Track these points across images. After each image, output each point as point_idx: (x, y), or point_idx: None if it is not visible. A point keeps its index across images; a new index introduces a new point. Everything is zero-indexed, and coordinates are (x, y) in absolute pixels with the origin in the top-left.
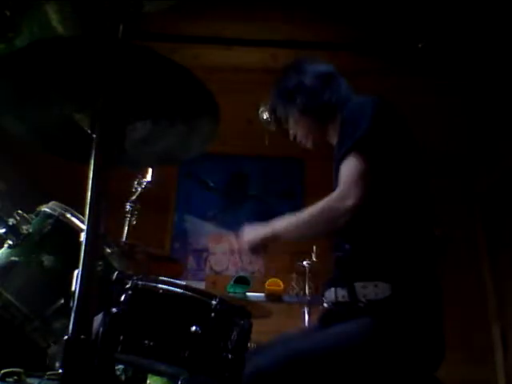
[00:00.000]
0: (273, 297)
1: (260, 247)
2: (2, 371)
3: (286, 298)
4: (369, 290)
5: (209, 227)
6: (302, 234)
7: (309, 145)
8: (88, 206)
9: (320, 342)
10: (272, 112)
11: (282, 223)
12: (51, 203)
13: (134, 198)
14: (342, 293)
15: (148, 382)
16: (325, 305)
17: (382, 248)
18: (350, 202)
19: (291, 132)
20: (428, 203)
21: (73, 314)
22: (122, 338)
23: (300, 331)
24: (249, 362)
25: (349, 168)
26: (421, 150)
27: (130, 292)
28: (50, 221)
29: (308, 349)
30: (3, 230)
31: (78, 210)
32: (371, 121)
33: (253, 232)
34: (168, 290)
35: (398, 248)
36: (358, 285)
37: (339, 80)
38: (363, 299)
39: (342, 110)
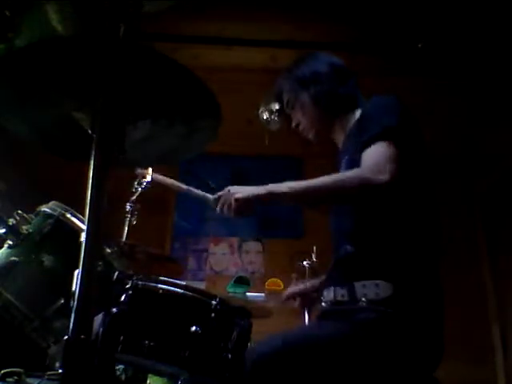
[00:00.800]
0: (273, 297)
1: (251, 206)
2: (2, 371)
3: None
4: (369, 290)
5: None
6: (313, 196)
7: (311, 135)
8: (88, 206)
9: (319, 336)
10: (278, 95)
11: (286, 184)
12: (51, 203)
13: (133, 198)
14: (341, 292)
15: (148, 382)
16: (323, 304)
17: (383, 247)
18: (384, 177)
19: (295, 119)
20: (433, 203)
21: (73, 314)
22: (122, 338)
23: (299, 328)
24: (247, 357)
25: (380, 150)
26: (427, 152)
27: (130, 292)
28: (50, 221)
29: (307, 342)
30: (3, 230)
31: (78, 210)
32: (399, 114)
33: (246, 189)
34: (168, 290)
35: (399, 247)
36: (357, 284)
37: (353, 77)
38: (363, 299)
39: (355, 108)
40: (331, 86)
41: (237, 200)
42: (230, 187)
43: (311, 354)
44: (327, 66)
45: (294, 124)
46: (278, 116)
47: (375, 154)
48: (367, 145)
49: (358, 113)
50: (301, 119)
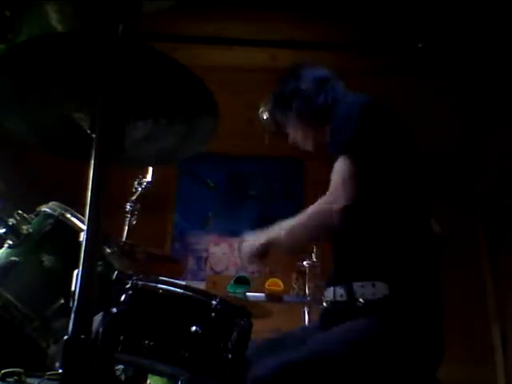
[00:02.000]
0: (273, 297)
1: (259, 256)
2: (2, 371)
3: (286, 297)
4: (366, 290)
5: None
6: (299, 239)
7: (309, 148)
8: (88, 206)
9: (320, 345)
10: (272, 117)
11: (279, 230)
12: (51, 203)
13: (134, 198)
14: (340, 292)
15: (148, 382)
16: (324, 304)
17: (379, 248)
18: (338, 204)
19: (291, 137)
20: (425, 203)
21: (73, 314)
22: (122, 338)
23: (299, 330)
24: (248, 372)
25: (337, 170)
26: (419, 150)
27: (130, 292)
28: (50, 221)
29: (306, 354)
30: (3, 230)
31: (78, 210)
32: (358, 122)
33: (250, 243)
34: (168, 290)
35: (395, 248)
36: (356, 284)
37: (335, 83)
38: (361, 299)
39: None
40: (310, 98)
41: (247, 257)
42: (239, 247)
43: (311, 375)
44: (305, 79)
45: (290, 141)
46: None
47: (333, 178)
48: (334, 160)
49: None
50: (295, 136)
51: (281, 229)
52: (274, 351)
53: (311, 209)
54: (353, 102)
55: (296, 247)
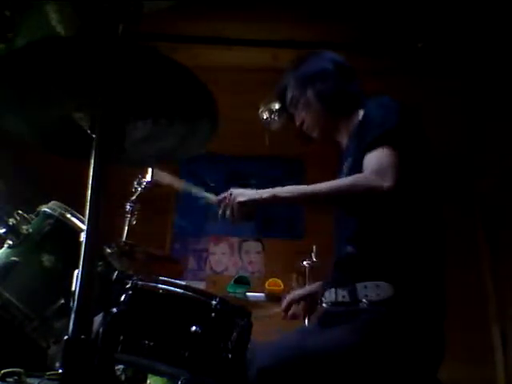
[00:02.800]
0: (273, 297)
1: (253, 210)
2: (2, 371)
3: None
4: (370, 291)
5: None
6: (316, 202)
7: (315, 134)
8: (88, 206)
9: (321, 343)
10: (281, 92)
11: (290, 188)
12: (51, 203)
13: (134, 198)
14: (342, 293)
15: (148, 381)
16: (324, 305)
17: (385, 249)
18: (387, 184)
19: (298, 118)
20: (435, 204)
21: (73, 314)
22: (122, 338)
23: (299, 330)
24: (252, 362)
25: (381, 155)
26: (431, 153)
27: (130, 292)
28: (50, 221)
29: (310, 349)
30: (3, 230)
31: (78, 210)
32: (399, 116)
33: (248, 192)
34: (168, 290)
35: (401, 249)
36: (359, 285)
37: (357, 77)
38: (364, 300)
39: (358, 108)
40: (337, 84)
41: (239, 203)
42: (232, 190)
43: (314, 366)
44: (333, 64)
45: (297, 122)
46: (279, 116)
47: (377, 160)
48: (369, 148)
49: (361, 113)
50: (305, 117)
51: (290, 187)
52: (273, 350)
53: (350, 178)
54: (388, 99)
55: (306, 206)
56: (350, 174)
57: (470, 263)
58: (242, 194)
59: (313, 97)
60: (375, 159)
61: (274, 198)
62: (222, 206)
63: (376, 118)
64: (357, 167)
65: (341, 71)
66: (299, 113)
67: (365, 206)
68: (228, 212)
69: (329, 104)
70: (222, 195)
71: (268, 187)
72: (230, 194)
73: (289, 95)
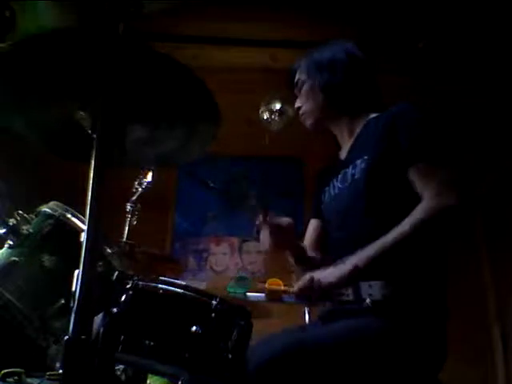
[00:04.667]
0: (273, 297)
1: (337, 290)
2: (2, 371)
3: (286, 298)
4: (374, 290)
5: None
6: (397, 252)
7: (308, 122)
8: (88, 206)
9: (321, 337)
10: (292, 72)
11: (364, 253)
12: (51, 203)
13: (134, 198)
14: (346, 292)
15: (148, 382)
16: (327, 304)
17: None
18: (450, 200)
19: (298, 101)
20: None
21: (73, 314)
22: (122, 337)
23: (299, 327)
24: (251, 356)
25: (441, 176)
26: None
27: (130, 292)
28: (50, 221)
29: (309, 343)
30: (3, 230)
31: (78, 210)
32: (434, 130)
33: (334, 272)
34: (168, 290)
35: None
36: (363, 284)
37: (373, 80)
38: (368, 299)
39: (368, 110)
40: (345, 79)
41: (330, 286)
42: (311, 274)
43: (314, 359)
44: (349, 58)
45: (296, 105)
46: (279, 116)
47: (436, 183)
48: (415, 161)
49: (371, 116)
50: (304, 102)
51: (365, 252)
52: (272, 341)
53: (417, 213)
54: (413, 109)
55: (390, 260)
56: (369, 175)
57: (469, 263)
58: (326, 277)
59: (317, 86)
60: (433, 183)
61: (356, 272)
62: (305, 291)
63: (411, 121)
64: (377, 166)
65: (354, 68)
66: (300, 97)
67: (444, 232)
68: (317, 297)
69: (331, 97)
70: (303, 284)
71: (268, 187)
72: (312, 280)
73: (296, 77)
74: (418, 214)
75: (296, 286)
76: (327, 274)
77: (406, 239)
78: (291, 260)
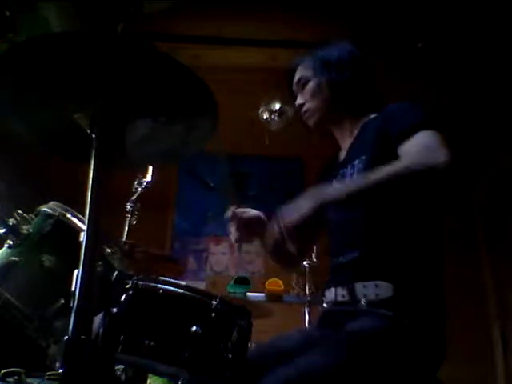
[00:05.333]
0: (273, 297)
1: (308, 223)
2: (2, 371)
3: (286, 298)
4: (369, 290)
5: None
6: (370, 193)
7: (312, 120)
8: (88, 206)
9: (325, 360)
10: (291, 68)
11: (336, 188)
12: (51, 203)
13: (134, 198)
14: (341, 292)
15: (148, 382)
16: (324, 305)
17: (386, 249)
18: (443, 158)
19: (301, 98)
20: (437, 205)
21: (73, 314)
22: (122, 338)
23: (297, 332)
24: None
25: (425, 137)
26: None
27: (130, 292)
28: (50, 221)
29: (313, 368)
30: (3, 230)
31: (78, 210)
32: (425, 111)
33: (296, 207)
34: (168, 290)
35: (402, 249)
36: (358, 285)
37: (375, 81)
38: (363, 299)
39: (370, 111)
40: (353, 79)
41: (290, 224)
42: (276, 215)
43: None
44: (354, 59)
45: (298, 102)
46: (279, 116)
47: (422, 141)
48: (404, 137)
49: (371, 117)
50: (308, 100)
51: (338, 185)
52: (274, 362)
53: (406, 159)
54: (406, 102)
55: (358, 199)
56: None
57: (470, 263)
58: (289, 212)
59: (325, 84)
60: (420, 141)
61: (323, 203)
62: (276, 234)
63: (401, 114)
64: (375, 166)
65: (360, 68)
66: (304, 94)
67: (423, 188)
68: (284, 237)
69: (338, 96)
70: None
71: (268, 188)
72: (277, 220)
73: (298, 74)
74: (406, 161)
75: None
76: (289, 210)
77: (385, 184)
78: (261, 244)
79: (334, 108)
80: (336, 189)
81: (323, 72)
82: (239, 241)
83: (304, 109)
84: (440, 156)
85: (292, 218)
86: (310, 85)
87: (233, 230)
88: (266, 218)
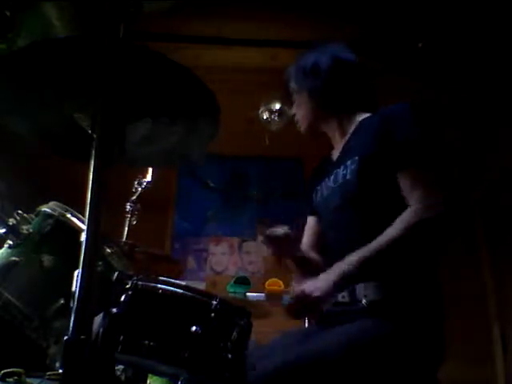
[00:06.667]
0: (273, 297)
1: (330, 298)
2: (2, 371)
3: (286, 298)
4: (369, 291)
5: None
6: (378, 259)
7: (302, 128)
8: (88, 206)
9: (321, 346)
10: (286, 82)
11: (352, 258)
12: (51, 203)
13: (134, 198)
14: (342, 293)
15: (148, 382)
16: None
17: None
18: (438, 210)
19: (293, 109)
20: None
21: (73, 314)
22: (122, 338)
23: (298, 331)
24: (250, 372)
25: (419, 178)
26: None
27: (130, 292)
28: (50, 221)
29: (309, 353)
30: (3, 230)
31: (78, 210)
32: (423, 128)
33: (322, 281)
34: (168, 291)
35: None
36: (358, 285)
37: (364, 78)
38: (364, 300)
39: (361, 109)
40: (331, 80)
41: (318, 301)
42: (304, 285)
43: (315, 372)
44: (332, 60)
45: (291, 112)
46: (279, 116)
47: (416, 185)
48: (406, 166)
49: (364, 116)
50: (296, 111)
51: (355, 256)
52: (273, 354)
53: (395, 225)
54: (403, 106)
55: (377, 266)
56: (359, 176)
57: (470, 263)
58: (314, 290)
59: (305, 91)
60: (415, 185)
61: (343, 281)
62: (300, 307)
63: (400, 126)
64: (368, 167)
65: (339, 68)
66: (294, 104)
67: (432, 239)
68: (309, 311)
69: (319, 100)
70: (297, 293)
71: (268, 188)
72: (302, 296)
73: (290, 86)
74: (401, 223)
75: (287, 305)
76: (314, 287)
77: (395, 243)
78: (292, 267)
79: (320, 113)
80: (351, 263)
81: (302, 81)
82: (274, 260)
83: (295, 118)
84: (434, 209)
85: (316, 294)
86: (295, 95)
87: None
88: (292, 235)
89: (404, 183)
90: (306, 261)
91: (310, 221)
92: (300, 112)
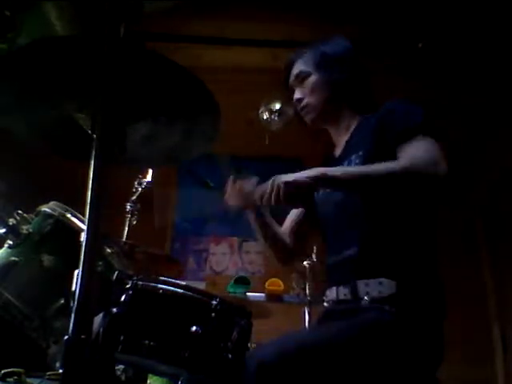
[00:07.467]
0: (273, 297)
1: (302, 191)
2: (2, 371)
3: (286, 297)
4: (372, 288)
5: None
6: (369, 184)
7: (310, 116)
8: (88, 206)
9: (323, 337)
10: (289, 63)
11: (341, 168)
12: (51, 203)
13: (134, 198)
14: (343, 291)
15: (148, 381)
16: (325, 304)
17: (388, 247)
18: (442, 171)
19: (299, 93)
20: (433, 203)
21: (73, 314)
22: (122, 338)
23: (300, 330)
24: (251, 357)
25: (427, 144)
26: None
27: (130, 292)
28: (50, 221)
29: (310, 342)
30: (3, 230)
31: (78, 210)
32: (424, 112)
33: (294, 174)
34: (168, 290)
35: (403, 246)
36: (360, 282)
37: (369, 79)
38: (366, 297)
39: (367, 107)
40: (353, 77)
41: (287, 183)
42: (274, 177)
43: (314, 358)
44: (354, 57)
45: (296, 97)
46: (279, 116)
47: (424, 147)
48: (405, 138)
49: (367, 115)
50: (307, 95)
51: (341, 168)
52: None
53: (404, 160)
54: (405, 101)
55: (352, 189)
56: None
57: (470, 263)
58: (288, 176)
59: (326, 80)
60: (422, 147)
61: (323, 177)
62: (263, 190)
63: (402, 109)
64: (372, 161)
65: (359, 66)
66: (302, 89)
67: (416, 192)
68: (273, 196)
69: (338, 93)
70: (264, 185)
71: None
72: (273, 180)
73: (297, 68)
74: (407, 162)
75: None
76: (289, 174)
77: (388, 175)
78: (251, 216)
79: (333, 105)
80: (337, 169)
81: (325, 68)
82: (235, 205)
83: (302, 104)
84: (439, 169)
85: (288, 180)
86: (310, 80)
87: (229, 195)
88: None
89: (408, 149)
90: (267, 220)
91: (296, 211)
92: (312, 98)
